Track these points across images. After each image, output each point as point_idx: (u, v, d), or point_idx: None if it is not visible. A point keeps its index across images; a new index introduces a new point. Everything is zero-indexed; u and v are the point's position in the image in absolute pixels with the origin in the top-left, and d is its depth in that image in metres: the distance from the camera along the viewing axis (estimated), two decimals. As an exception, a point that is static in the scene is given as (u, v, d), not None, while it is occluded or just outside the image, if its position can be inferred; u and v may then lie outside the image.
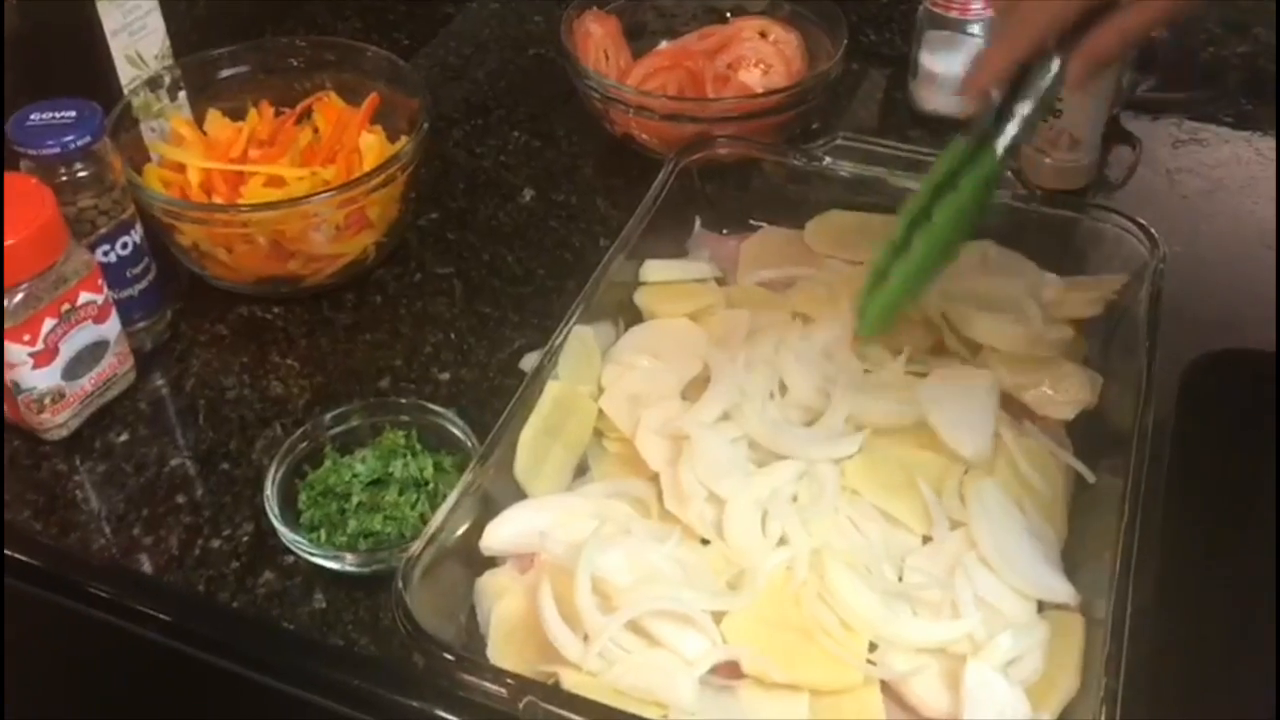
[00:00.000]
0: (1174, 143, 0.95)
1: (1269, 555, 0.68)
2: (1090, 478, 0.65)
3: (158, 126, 0.85)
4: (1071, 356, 0.71)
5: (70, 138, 0.70)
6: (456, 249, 0.87)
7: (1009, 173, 0.77)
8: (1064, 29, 0.58)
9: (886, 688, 0.56)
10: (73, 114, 0.71)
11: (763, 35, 0.97)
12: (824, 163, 0.80)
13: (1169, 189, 0.90)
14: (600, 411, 0.68)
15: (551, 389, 0.65)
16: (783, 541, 0.60)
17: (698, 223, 0.83)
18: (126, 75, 0.83)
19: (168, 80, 0.85)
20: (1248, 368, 0.77)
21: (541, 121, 0.99)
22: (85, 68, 0.80)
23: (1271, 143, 0.94)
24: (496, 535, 0.60)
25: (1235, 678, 0.60)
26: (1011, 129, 0.60)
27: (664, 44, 1.00)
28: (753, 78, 0.95)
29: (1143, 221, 0.73)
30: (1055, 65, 0.59)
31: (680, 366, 0.70)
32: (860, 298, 0.66)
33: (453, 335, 0.80)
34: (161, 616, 0.64)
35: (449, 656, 0.51)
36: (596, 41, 0.97)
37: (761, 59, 0.96)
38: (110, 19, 0.81)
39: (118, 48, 0.82)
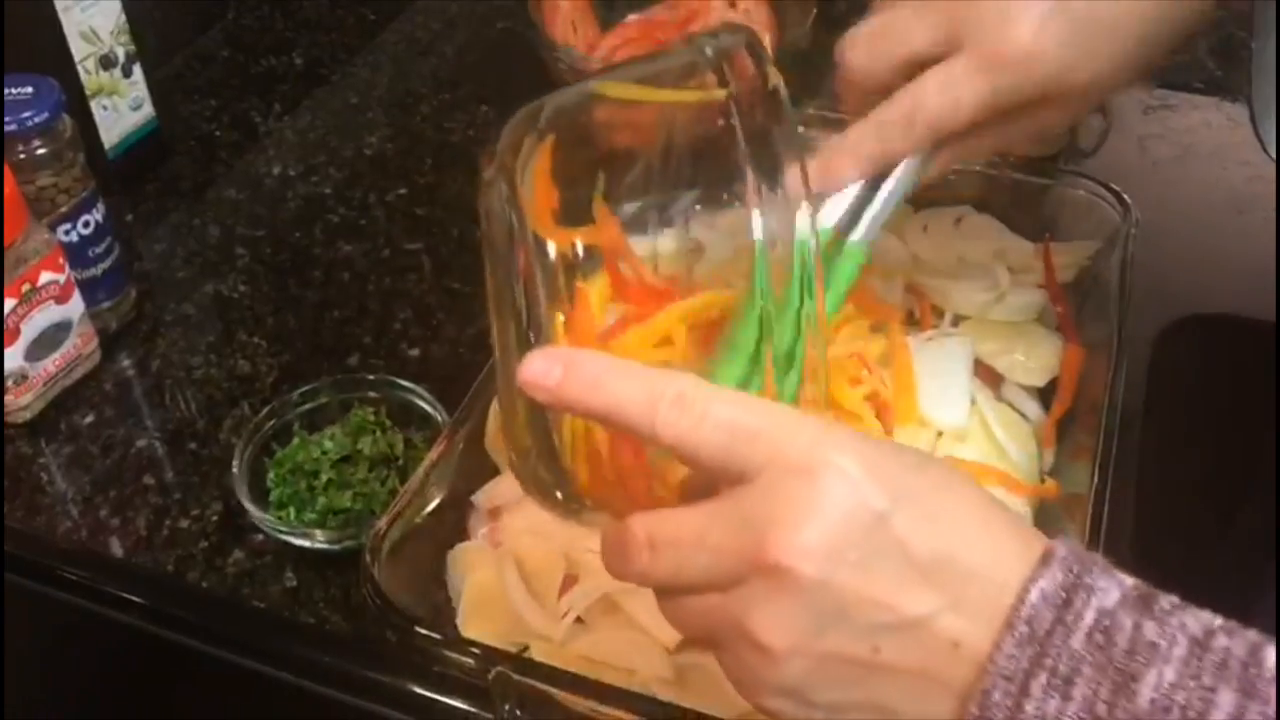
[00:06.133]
0: (1144, 109, 0.94)
1: (1242, 519, 0.68)
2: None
3: (110, 104, 0.84)
4: (1043, 323, 0.71)
5: (28, 114, 0.69)
6: (425, 225, 0.86)
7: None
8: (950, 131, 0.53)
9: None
10: (29, 90, 0.70)
11: (731, 5, 0.96)
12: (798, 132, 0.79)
13: (1139, 155, 0.90)
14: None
15: (521, 361, 0.64)
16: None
17: (669, 195, 0.82)
18: (80, 51, 0.82)
19: (122, 56, 0.84)
20: (1219, 333, 0.77)
21: (510, 96, 0.98)
22: (37, 43, 0.79)
23: (1242, 108, 0.94)
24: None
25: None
26: (873, 224, 0.54)
27: (632, 16, 0.99)
28: (722, 49, 0.94)
29: (1115, 187, 0.73)
30: (923, 158, 0.54)
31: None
32: None
33: (422, 311, 0.79)
34: (131, 598, 0.63)
35: (418, 629, 0.51)
36: (564, 14, 0.96)
37: (731, 30, 0.95)
38: (60, -8, 0.80)
39: (70, 23, 0.80)
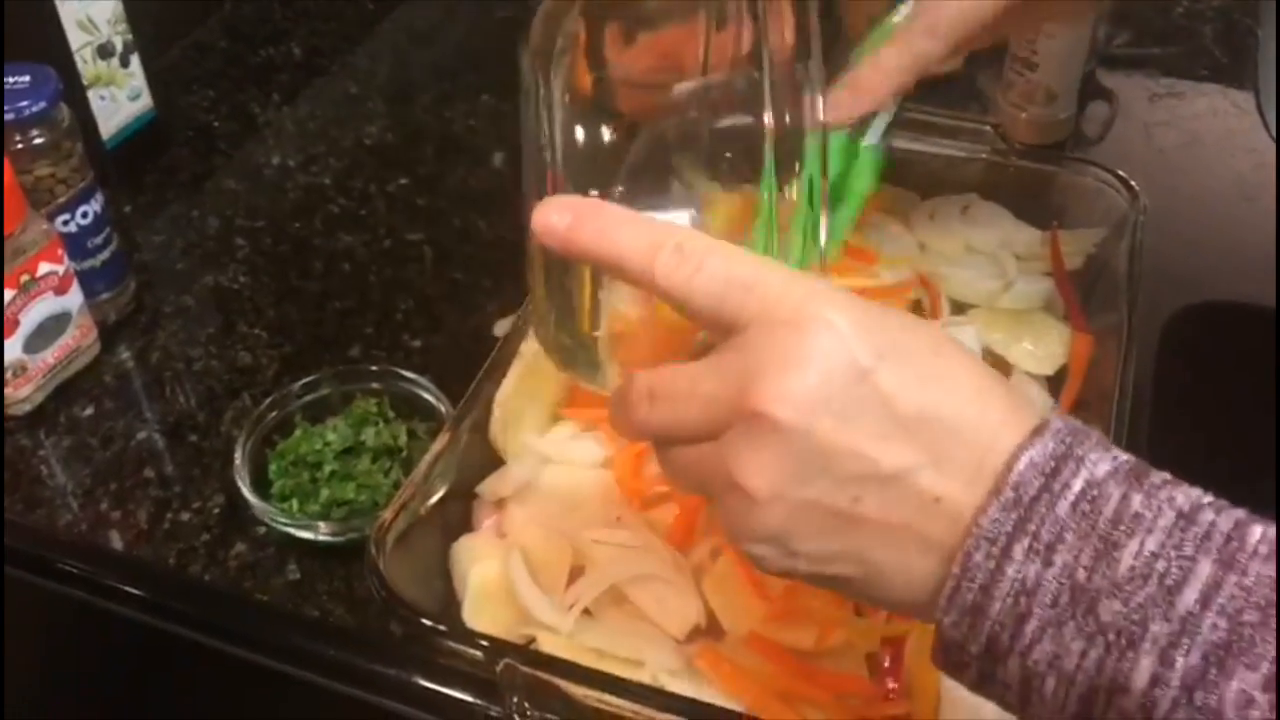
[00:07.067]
0: (1150, 96, 0.94)
1: (1253, 506, 0.68)
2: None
3: (108, 94, 0.83)
4: (1051, 311, 0.70)
5: (25, 103, 0.68)
6: (426, 215, 0.85)
7: (989, 128, 0.76)
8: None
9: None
10: (26, 79, 0.69)
11: (735, -6, 0.96)
12: (799, 120, 0.79)
13: (1146, 142, 0.90)
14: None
15: (526, 349, 0.64)
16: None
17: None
18: (77, 40, 0.81)
19: (120, 46, 0.83)
20: (1227, 320, 0.77)
21: (511, 85, 0.97)
22: (34, 32, 0.78)
23: (1248, 95, 0.93)
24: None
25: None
26: (880, 126, 0.58)
27: (635, 4, 0.98)
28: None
29: (1122, 174, 0.72)
30: None
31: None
32: None
33: (424, 302, 0.78)
34: (132, 591, 0.63)
35: (424, 621, 0.50)
36: (566, 3, 0.95)
37: (734, 18, 0.94)
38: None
39: (68, 12, 0.79)
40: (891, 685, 0.52)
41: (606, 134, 0.44)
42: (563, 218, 0.40)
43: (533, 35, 0.45)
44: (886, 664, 0.53)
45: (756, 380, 0.37)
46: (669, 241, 0.39)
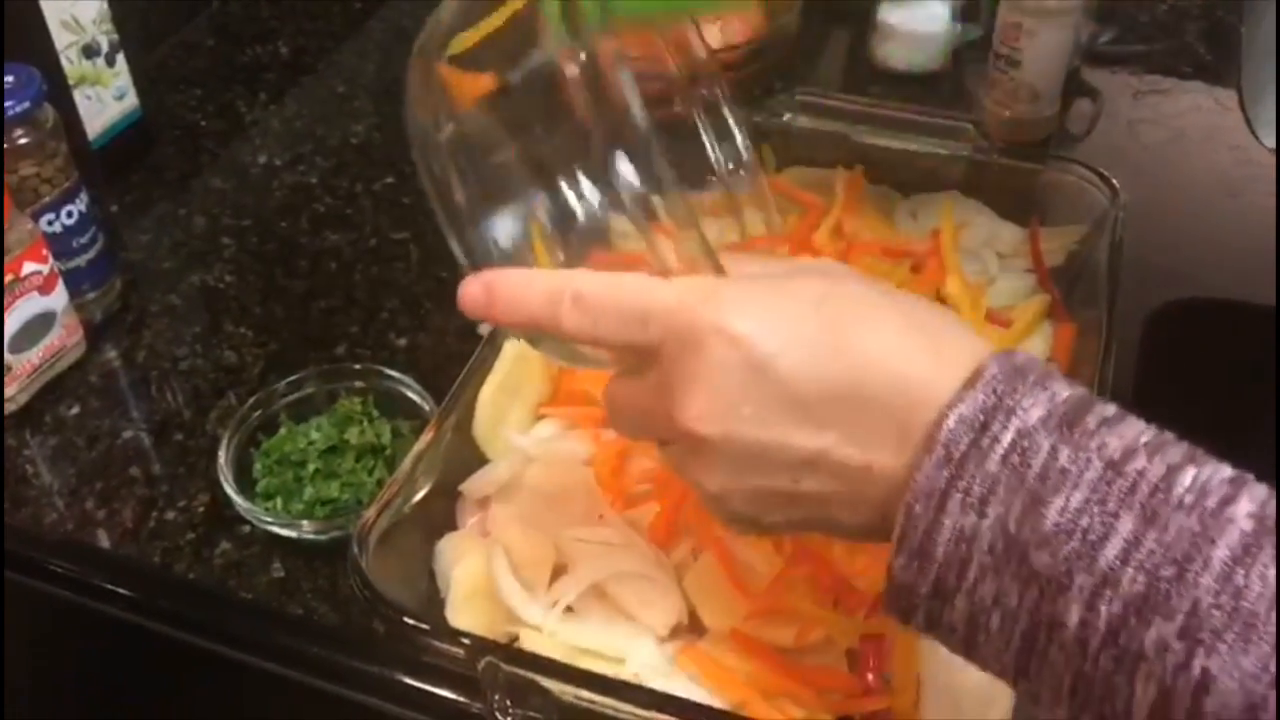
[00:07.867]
0: (1134, 94, 0.94)
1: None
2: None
3: (93, 94, 0.83)
4: (1034, 307, 0.71)
5: (9, 104, 0.68)
6: (412, 214, 0.85)
7: (968, 125, 0.76)
8: None
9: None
10: (10, 79, 0.69)
11: (720, -8, 0.96)
12: (784, 118, 0.79)
13: (1130, 139, 0.90)
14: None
15: (509, 348, 0.64)
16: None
17: (658, 182, 0.81)
18: (62, 41, 0.81)
19: (105, 45, 0.83)
20: (1210, 316, 0.77)
21: (498, 84, 0.98)
22: (18, 33, 0.78)
23: (1232, 93, 0.94)
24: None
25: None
26: None
27: (621, 3, 0.98)
28: (710, 34, 0.94)
29: (1103, 171, 0.72)
30: None
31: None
32: None
33: (409, 301, 0.78)
34: (118, 590, 0.63)
35: (407, 619, 0.51)
36: (552, 1, 0.95)
37: (719, 15, 0.95)
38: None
39: (52, 12, 0.79)
40: (872, 680, 0.53)
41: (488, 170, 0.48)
42: (481, 294, 0.44)
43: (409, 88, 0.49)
44: (868, 659, 0.53)
45: (674, 403, 0.40)
46: (564, 296, 0.42)
